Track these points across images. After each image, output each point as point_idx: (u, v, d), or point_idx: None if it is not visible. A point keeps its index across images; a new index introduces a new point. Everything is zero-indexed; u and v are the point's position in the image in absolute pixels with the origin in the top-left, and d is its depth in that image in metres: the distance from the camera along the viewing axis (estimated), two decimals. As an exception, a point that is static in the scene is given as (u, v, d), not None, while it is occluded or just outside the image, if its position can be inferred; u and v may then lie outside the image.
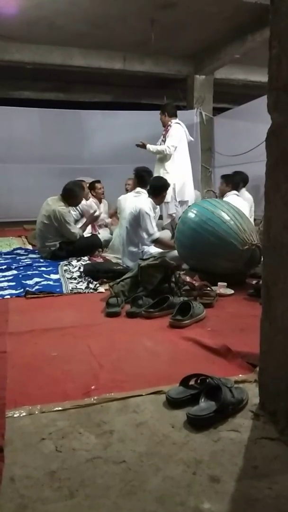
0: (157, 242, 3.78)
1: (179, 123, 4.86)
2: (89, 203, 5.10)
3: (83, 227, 4.55)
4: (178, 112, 5.07)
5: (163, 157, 4.80)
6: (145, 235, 3.68)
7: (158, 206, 4.08)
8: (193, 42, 6.74)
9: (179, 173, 4.80)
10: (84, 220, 4.74)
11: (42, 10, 5.48)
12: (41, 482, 1.07)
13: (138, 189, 4.27)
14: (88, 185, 5.41)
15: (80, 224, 4.59)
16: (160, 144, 4.82)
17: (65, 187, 4.34)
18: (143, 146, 4.80)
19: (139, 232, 3.70)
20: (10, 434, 1.26)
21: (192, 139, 5.18)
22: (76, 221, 4.69)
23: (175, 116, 4.90)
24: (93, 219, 4.79)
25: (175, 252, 3.41)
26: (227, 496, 1.02)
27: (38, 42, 6.58)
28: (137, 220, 3.67)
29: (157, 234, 3.78)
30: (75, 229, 4.27)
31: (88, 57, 7.00)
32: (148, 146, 4.78)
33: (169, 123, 4.83)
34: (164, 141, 4.81)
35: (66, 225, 4.14)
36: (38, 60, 6.80)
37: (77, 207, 4.77)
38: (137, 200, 3.89)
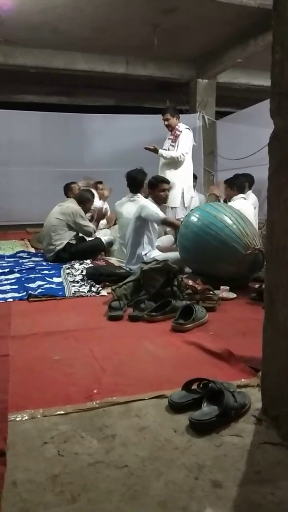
0: (165, 222, 3.75)
1: (189, 129, 4.78)
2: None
3: (95, 224, 4.89)
4: (181, 116, 5.04)
5: (172, 163, 4.69)
6: (152, 218, 3.57)
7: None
8: (195, 46, 6.77)
9: (187, 178, 4.76)
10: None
11: (45, 15, 5.52)
12: (43, 486, 1.07)
13: (131, 194, 4.20)
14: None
15: None
16: (169, 148, 4.71)
17: (79, 192, 4.72)
18: (155, 150, 4.63)
19: (145, 229, 3.61)
20: (12, 438, 1.26)
21: (195, 143, 5.17)
22: None
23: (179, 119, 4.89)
24: (102, 215, 5.24)
25: (177, 255, 3.40)
26: (229, 501, 1.02)
27: (41, 46, 6.62)
28: (140, 216, 3.59)
29: (162, 214, 3.68)
30: (90, 224, 4.56)
31: (91, 62, 7.04)
32: (161, 151, 4.64)
33: (177, 127, 4.73)
34: (173, 145, 4.70)
35: (81, 221, 4.36)
36: (41, 64, 6.85)
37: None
38: (138, 203, 3.88)
